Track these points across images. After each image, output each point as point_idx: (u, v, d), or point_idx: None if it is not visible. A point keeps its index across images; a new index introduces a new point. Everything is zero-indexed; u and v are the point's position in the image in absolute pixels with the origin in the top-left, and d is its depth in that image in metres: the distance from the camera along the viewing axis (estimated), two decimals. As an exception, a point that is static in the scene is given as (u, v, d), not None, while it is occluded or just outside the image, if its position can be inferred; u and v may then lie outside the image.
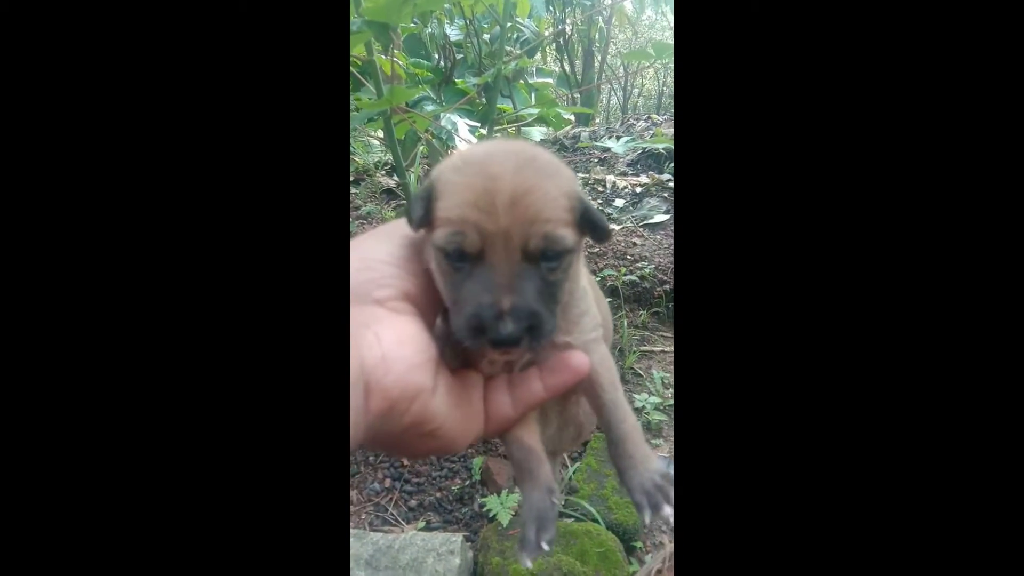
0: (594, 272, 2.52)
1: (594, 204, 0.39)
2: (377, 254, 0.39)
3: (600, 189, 3.35)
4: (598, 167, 3.70)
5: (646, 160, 3.58)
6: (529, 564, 0.43)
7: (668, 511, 0.41)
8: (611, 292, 2.45)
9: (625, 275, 2.63)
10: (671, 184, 3.21)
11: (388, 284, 0.38)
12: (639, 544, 1.53)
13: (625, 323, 2.30)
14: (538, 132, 3.68)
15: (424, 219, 0.39)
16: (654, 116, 4.51)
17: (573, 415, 0.54)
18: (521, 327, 0.36)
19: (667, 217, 3.00)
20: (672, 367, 2.35)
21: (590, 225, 0.40)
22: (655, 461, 0.44)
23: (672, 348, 2.47)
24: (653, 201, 3.14)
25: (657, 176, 3.31)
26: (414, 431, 0.37)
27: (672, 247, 2.82)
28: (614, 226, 2.98)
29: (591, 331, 0.45)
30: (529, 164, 0.38)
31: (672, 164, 3.40)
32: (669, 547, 1.12)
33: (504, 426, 0.44)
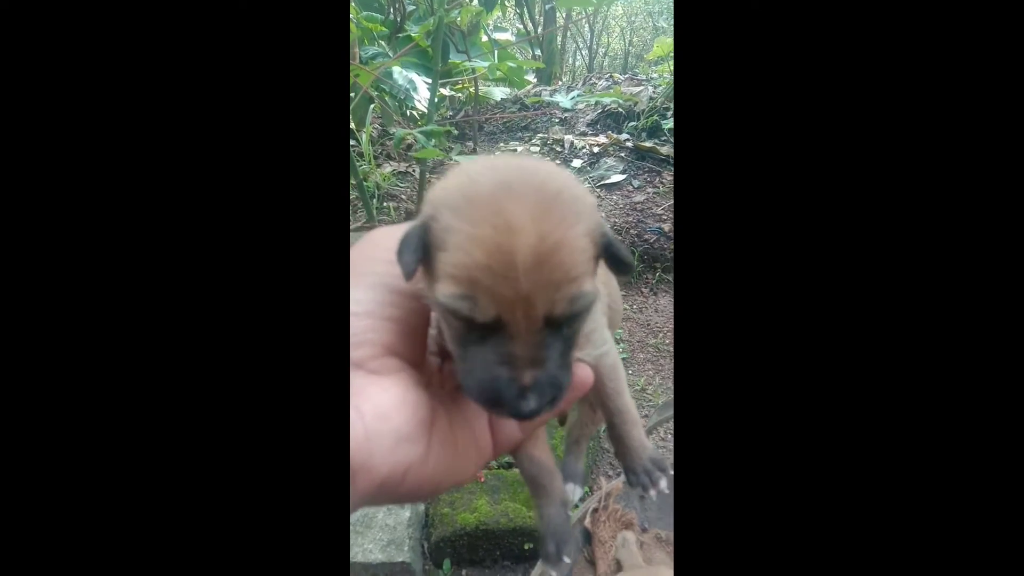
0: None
1: (615, 236, 0.35)
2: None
3: (559, 149, 3.32)
4: (557, 127, 3.66)
5: (605, 120, 3.55)
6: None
7: (663, 484, 0.47)
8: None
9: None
10: (628, 144, 3.21)
11: (365, 341, 0.33)
12: (586, 489, 1.59)
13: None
14: (499, 92, 3.60)
15: (415, 270, 0.32)
16: (616, 75, 4.46)
17: (589, 399, 0.55)
18: (545, 400, 0.32)
19: (623, 177, 3.01)
20: (629, 325, 2.41)
21: (612, 261, 0.35)
22: (649, 448, 0.48)
23: (630, 309, 2.53)
24: (610, 161, 3.14)
25: (615, 136, 3.30)
26: (411, 494, 0.35)
27: (628, 207, 2.84)
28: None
29: (601, 345, 0.44)
30: (552, 206, 0.31)
31: (630, 123, 3.39)
32: (607, 487, 1.17)
33: (513, 447, 0.42)
